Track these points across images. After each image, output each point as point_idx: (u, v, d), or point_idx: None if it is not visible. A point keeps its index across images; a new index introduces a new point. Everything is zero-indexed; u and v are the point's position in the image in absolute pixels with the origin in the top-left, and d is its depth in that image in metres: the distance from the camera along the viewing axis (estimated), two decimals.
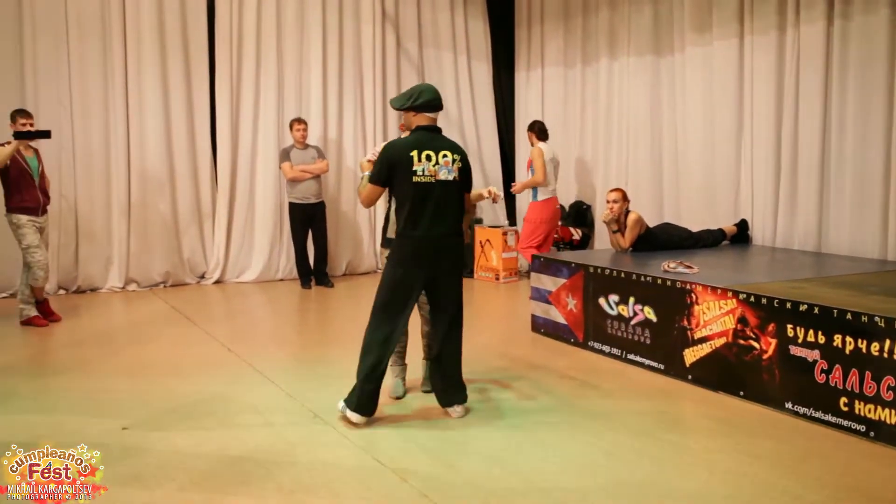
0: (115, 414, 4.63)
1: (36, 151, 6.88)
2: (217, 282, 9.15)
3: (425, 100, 4.41)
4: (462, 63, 10.57)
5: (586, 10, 9.61)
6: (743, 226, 7.69)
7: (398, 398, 4.95)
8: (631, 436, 4.36)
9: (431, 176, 4.34)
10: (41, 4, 8.14)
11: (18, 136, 6.52)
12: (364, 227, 9.94)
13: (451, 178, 4.38)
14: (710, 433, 4.48)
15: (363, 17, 9.79)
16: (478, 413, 4.75)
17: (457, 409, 4.64)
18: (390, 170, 4.37)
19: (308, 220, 8.86)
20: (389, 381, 4.98)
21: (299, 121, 8.88)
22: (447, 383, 4.65)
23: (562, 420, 4.64)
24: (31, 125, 6.70)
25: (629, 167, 9.07)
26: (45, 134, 6.65)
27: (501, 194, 4.92)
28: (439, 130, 4.51)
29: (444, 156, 4.38)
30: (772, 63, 7.34)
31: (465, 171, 4.49)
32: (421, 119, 4.44)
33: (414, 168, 4.32)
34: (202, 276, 9.21)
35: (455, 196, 4.44)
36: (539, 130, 8.54)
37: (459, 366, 4.71)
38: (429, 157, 4.35)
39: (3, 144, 6.61)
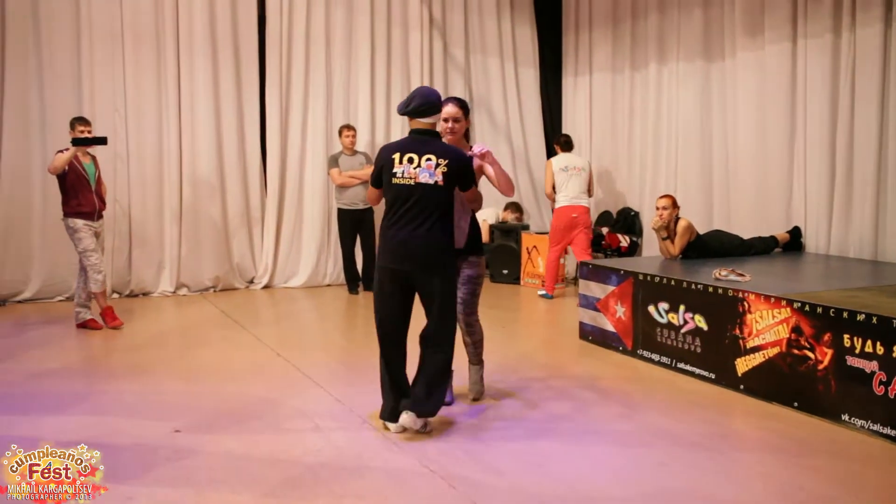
0: (168, 416, 4.70)
1: (93, 158, 7.03)
2: (265, 287, 9.25)
3: (415, 106, 4.44)
4: (509, 69, 10.56)
5: (635, 15, 9.53)
6: (796, 233, 7.55)
7: (447, 404, 4.94)
8: (681, 446, 4.30)
9: (411, 178, 4.37)
10: (98, 15, 8.33)
11: (76, 142, 6.68)
12: None
13: (432, 181, 4.35)
14: (763, 444, 4.39)
15: (411, 24, 9.84)
16: (526, 420, 4.73)
17: (405, 417, 4.37)
18: (379, 171, 4.51)
19: (356, 225, 8.91)
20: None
21: (348, 127, 8.94)
22: (417, 389, 4.48)
23: (610, 429, 4.59)
24: (89, 132, 6.85)
25: (678, 173, 8.96)
26: (102, 140, 6.79)
27: (484, 149, 4.71)
28: (434, 135, 4.51)
29: (428, 159, 4.37)
30: (826, 67, 7.20)
31: (452, 175, 4.39)
32: (415, 123, 4.50)
33: (394, 170, 4.41)
34: (251, 281, 9.32)
35: (439, 199, 4.38)
36: (563, 143, 8.95)
37: (442, 379, 4.49)
38: (410, 160, 4.38)
39: (61, 151, 6.77)
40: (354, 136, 8.96)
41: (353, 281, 9.03)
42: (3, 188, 8.03)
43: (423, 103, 4.43)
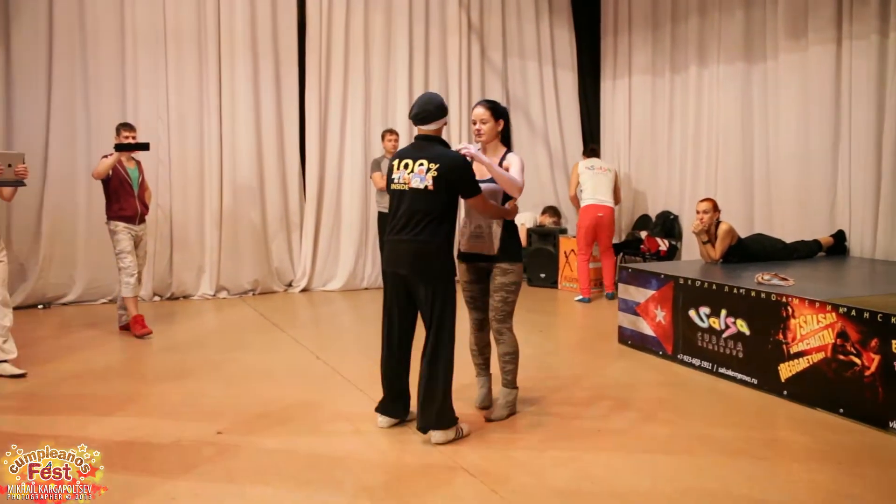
0: (210, 418, 4.75)
1: (138, 163, 7.13)
2: (303, 290, 9.32)
3: (414, 113, 4.47)
4: (547, 72, 10.55)
5: (675, 18, 9.46)
6: (840, 237, 7.44)
7: (484, 408, 4.93)
8: (725, 453, 4.25)
9: (405, 184, 4.36)
10: (142, 24, 8.48)
11: (119, 148, 6.79)
12: None
13: (422, 186, 4.30)
14: (808, 451, 4.32)
15: (449, 28, 9.87)
16: (565, 426, 4.70)
17: (432, 434, 4.35)
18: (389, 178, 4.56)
19: None
20: (475, 392, 4.98)
21: (391, 132, 8.93)
22: (418, 402, 4.40)
23: (651, 434, 4.55)
24: (133, 138, 6.95)
25: (718, 177, 8.88)
26: (145, 146, 6.88)
27: (464, 149, 4.47)
28: (435, 140, 4.46)
29: (420, 164, 4.33)
30: (872, 69, 7.08)
31: (443, 180, 4.29)
32: (420, 129, 4.51)
33: (392, 176, 4.45)
34: (289, 285, 9.39)
35: (430, 204, 4.30)
36: (590, 151, 9.32)
37: (432, 391, 4.33)
38: (406, 166, 4.38)
39: (106, 156, 6.88)
40: (397, 141, 8.97)
41: None
42: (49, 193, 8.18)
43: (420, 111, 4.43)
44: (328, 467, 4.04)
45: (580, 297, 8.83)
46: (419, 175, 4.32)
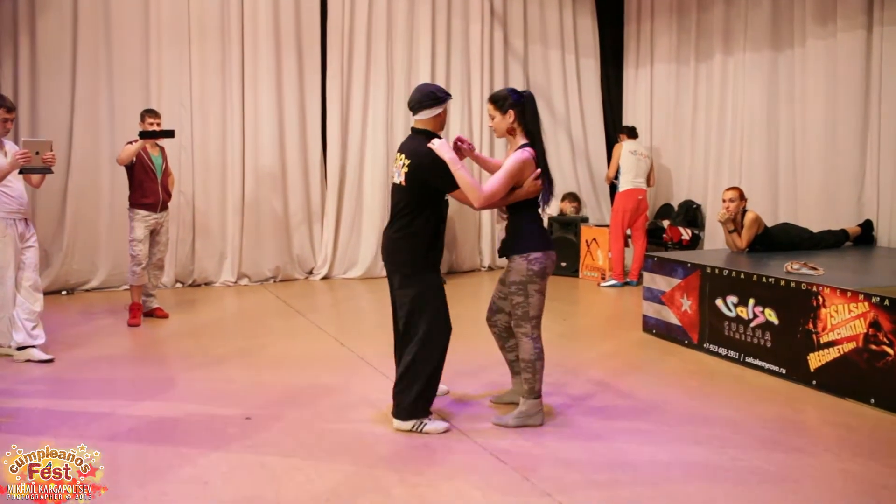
0: (238, 404, 4.76)
1: (162, 150, 7.13)
2: (324, 277, 9.32)
3: (408, 103, 4.39)
4: (570, 60, 10.48)
5: (700, 5, 9.38)
6: (867, 226, 7.36)
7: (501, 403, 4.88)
8: (756, 443, 4.21)
9: (392, 178, 4.42)
10: (166, 12, 8.47)
11: (143, 135, 6.78)
12: (470, 226, 9.96)
13: (398, 181, 4.29)
14: (840, 442, 4.28)
15: (472, 15, 9.81)
16: (593, 414, 4.68)
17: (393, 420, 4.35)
18: None
19: None
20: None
21: None
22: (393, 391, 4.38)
23: (681, 423, 4.52)
24: (158, 125, 6.94)
25: (742, 166, 8.80)
26: (169, 133, 6.88)
27: (434, 144, 4.24)
28: (420, 132, 4.34)
29: (398, 159, 4.33)
30: None
31: (414, 175, 4.21)
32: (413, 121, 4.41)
33: (391, 171, 4.53)
34: (310, 272, 9.39)
35: (402, 200, 4.27)
36: (630, 130, 9.32)
37: (405, 380, 4.28)
38: (397, 159, 4.37)
39: (130, 142, 6.88)
40: None
41: None
42: (73, 181, 8.20)
43: (411, 100, 4.35)
44: (356, 448, 4.07)
45: (613, 282, 8.81)
46: (398, 170, 4.31)
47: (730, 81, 8.99)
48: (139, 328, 6.77)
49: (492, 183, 4.20)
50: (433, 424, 4.32)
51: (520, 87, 10.06)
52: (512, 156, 4.31)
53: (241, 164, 8.90)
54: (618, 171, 9.01)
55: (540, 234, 4.41)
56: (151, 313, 7.13)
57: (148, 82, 8.44)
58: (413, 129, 4.39)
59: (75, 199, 8.22)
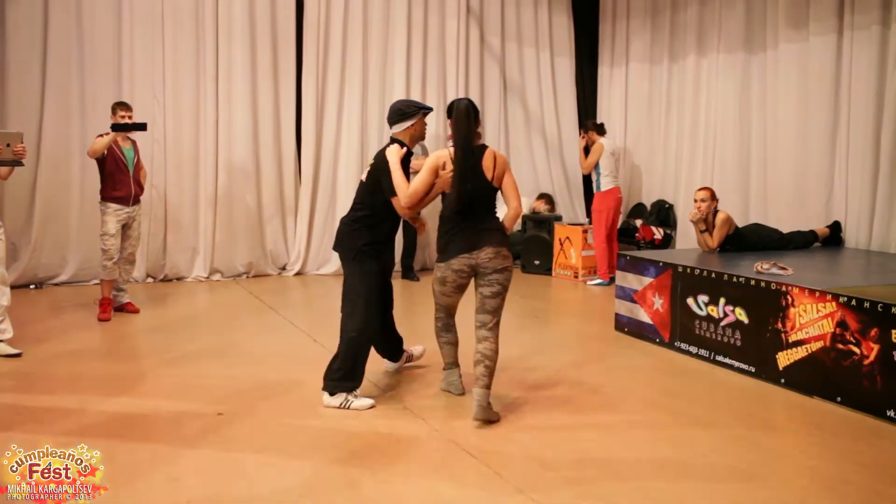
0: (209, 400, 4.73)
1: (133, 143, 7.06)
2: (297, 273, 9.28)
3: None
4: (545, 58, 10.51)
5: (675, 6, 9.45)
6: (836, 228, 7.46)
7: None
8: (725, 438, 4.27)
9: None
10: (140, 1, 8.37)
11: (115, 128, 6.71)
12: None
13: (362, 178, 4.82)
14: (807, 439, 4.35)
15: (448, 12, 9.81)
16: (565, 411, 4.71)
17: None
18: None
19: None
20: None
21: None
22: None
23: (651, 421, 4.56)
24: (129, 118, 6.87)
25: (715, 166, 8.89)
26: (142, 126, 6.82)
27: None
28: (394, 141, 4.75)
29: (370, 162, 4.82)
30: (873, 60, 7.09)
31: (371, 175, 4.72)
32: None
33: None
34: (283, 268, 9.35)
35: (359, 193, 4.79)
36: (601, 128, 9.23)
37: (334, 356, 4.72)
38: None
39: (101, 135, 6.80)
40: None
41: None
42: (42, 173, 8.09)
43: (388, 115, 4.83)
44: (328, 444, 4.07)
45: (598, 280, 8.87)
46: (365, 170, 4.82)
47: (703, 82, 9.07)
48: (109, 323, 6.71)
49: (412, 182, 4.56)
50: (359, 402, 4.64)
51: (496, 85, 10.21)
52: (428, 157, 4.66)
53: (215, 158, 8.83)
54: (596, 169, 9.00)
55: (442, 243, 4.64)
56: (122, 308, 7.07)
57: (120, 75, 8.34)
58: (390, 138, 4.80)
59: (45, 191, 8.11)
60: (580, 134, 9.35)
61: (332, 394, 4.64)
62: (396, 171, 4.55)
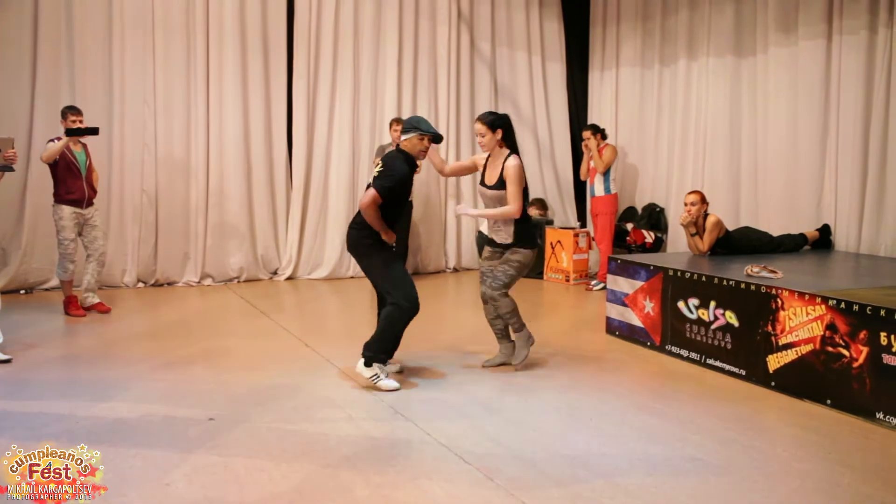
0: (201, 405, 4.73)
1: (84, 147, 7.14)
2: (289, 278, 9.27)
3: None
4: (536, 63, 10.53)
5: (665, 11, 9.48)
6: (825, 231, 7.49)
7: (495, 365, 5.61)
8: (716, 442, 4.28)
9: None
10: (130, 7, 8.36)
11: (69, 132, 6.80)
12: (436, 230, 9.98)
13: (370, 180, 5.22)
14: (797, 441, 4.37)
15: (439, 17, 9.83)
16: (556, 414, 4.72)
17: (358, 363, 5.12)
18: None
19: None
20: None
21: (398, 121, 8.77)
22: None
23: (643, 424, 4.57)
24: (81, 122, 6.93)
25: (705, 170, 8.91)
26: (94, 131, 6.93)
27: (459, 210, 5.59)
28: (400, 150, 5.29)
29: (376, 164, 5.32)
30: (861, 64, 7.13)
31: (379, 175, 5.17)
32: None
33: None
34: (275, 273, 9.34)
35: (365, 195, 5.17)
36: (604, 132, 9.32)
37: (376, 331, 5.15)
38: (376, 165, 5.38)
39: (52, 140, 6.86)
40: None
41: None
42: (32, 178, 8.06)
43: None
44: (319, 449, 4.06)
45: (602, 284, 8.82)
46: (374, 170, 5.27)
47: (693, 86, 9.10)
48: (99, 328, 6.69)
49: (514, 200, 5.26)
50: (385, 382, 4.99)
51: (487, 90, 10.22)
52: (512, 166, 5.27)
53: (206, 163, 8.83)
54: (607, 172, 9.01)
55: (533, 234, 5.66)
56: (92, 308, 7.11)
57: (111, 80, 8.33)
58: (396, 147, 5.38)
59: (35, 196, 8.07)
60: (584, 137, 9.23)
61: (368, 364, 5.01)
62: (517, 182, 5.24)
